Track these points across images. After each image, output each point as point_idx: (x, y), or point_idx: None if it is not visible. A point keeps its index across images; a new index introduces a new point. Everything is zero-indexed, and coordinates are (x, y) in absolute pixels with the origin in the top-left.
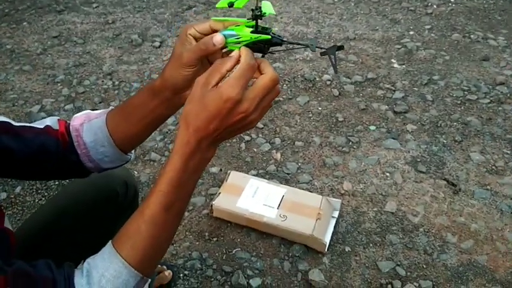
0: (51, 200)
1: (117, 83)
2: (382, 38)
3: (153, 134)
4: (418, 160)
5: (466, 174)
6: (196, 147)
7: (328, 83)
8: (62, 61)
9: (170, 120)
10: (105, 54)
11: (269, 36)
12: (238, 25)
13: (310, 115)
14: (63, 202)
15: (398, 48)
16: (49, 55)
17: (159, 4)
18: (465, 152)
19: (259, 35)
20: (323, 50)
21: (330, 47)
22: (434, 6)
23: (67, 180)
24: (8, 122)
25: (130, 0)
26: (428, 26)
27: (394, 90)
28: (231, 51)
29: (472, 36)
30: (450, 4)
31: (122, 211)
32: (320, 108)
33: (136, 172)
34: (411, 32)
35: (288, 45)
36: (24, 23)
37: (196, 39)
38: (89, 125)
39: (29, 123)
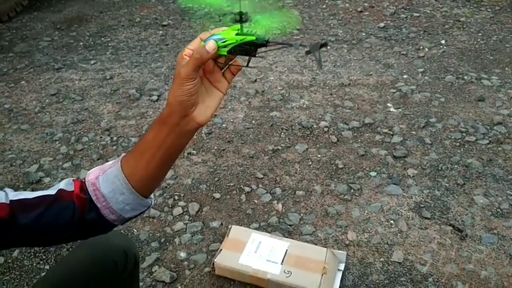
0: (49, 273)
1: (115, 138)
2: (376, 82)
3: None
4: (422, 206)
5: (472, 218)
6: None
7: (326, 129)
8: (60, 119)
9: (169, 174)
10: (103, 110)
11: (254, 37)
12: (225, 30)
13: (310, 163)
14: (61, 275)
15: (394, 92)
16: (47, 113)
17: (155, 58)
18: (468, 195)
19: (244, 36)
20: (307, 49)
21: (313, 44)
22: (426, 49)
23: (65, 249)
24: (24, 199)
25: (128, 55)
26: (421, 69)
27: (392, 135)
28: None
29: (465, 77)
30: (441, 46)
31: (121, 282)
32: (319, 156)
33: (135, 230)
34: (405, 76)
35: (274, 45)
36: (23, 82)
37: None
38: (104, 176)
39: (43, 190)
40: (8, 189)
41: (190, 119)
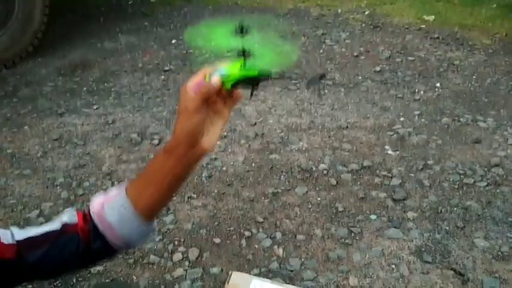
0: None
1: (116, 183)
2: (374, 125)
3: (151, 234)
4: (423, 249)
5: (473, 262)
6: None
7: (325, 172)
8: (62, 163)
9: (169, 219)
10: (104, 154)
11: (256, 72)
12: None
13: (310, 206)
14: None
15: (391, 135)
16: (49, 158)
17: (157, 103)
18: (469, 238)
19: (247, 71)
20: (307, 82)
21: (313, 77)
22: (422, 92)
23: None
24: (30, 238)
25: (130, 100)
26: (418, 112)
27: (391, 177)
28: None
29: (461, 119)
30: (437, 89)
31: None
32: (319, 199)
33: (135, 277)
34: (402, 119)
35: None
36: (26, 127)
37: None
38: (110, 205)
39: (47, 224)
40: (13, 229)
41: (198, 148)
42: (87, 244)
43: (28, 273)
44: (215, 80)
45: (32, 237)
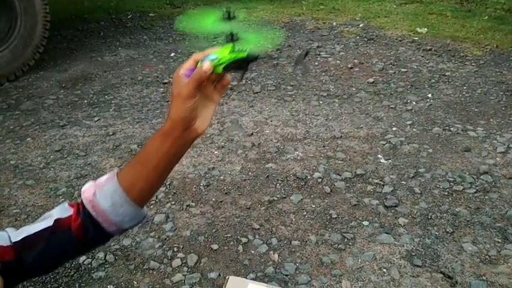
0: None
1: None
2: (367, 135)
3: (151, 241)
4: (413, 254)
5: (461, 265)
6: None
7: (320, 180)
8: (64, 174)
9: (168, 226)
10: (105, 165)
11: (245, 54)
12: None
13: (305, 213)
14: None
15: (383, 144)
16: (52, 169)
17: (156, 114)
18: (458, 243)
19: (236, 54)
20: (294, 62)
21: (298, 55)
22: (414, 103)
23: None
24: (25, 238)
25: (130, 112)
26: (410, 122)
27: (383, 185)
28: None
29: (451, 128)
30: (428, 100)
31: None
32: (313, 206)
33: (135, 282)
34: (394, 128)
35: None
36: (28, 139)
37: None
38: (102, 192)
39: (40, 221)
40: (9, 230)
41: (192, 131)
42: (81, 235)
43: (27, 272)
44: (206, 65)
45: (27, 237)
